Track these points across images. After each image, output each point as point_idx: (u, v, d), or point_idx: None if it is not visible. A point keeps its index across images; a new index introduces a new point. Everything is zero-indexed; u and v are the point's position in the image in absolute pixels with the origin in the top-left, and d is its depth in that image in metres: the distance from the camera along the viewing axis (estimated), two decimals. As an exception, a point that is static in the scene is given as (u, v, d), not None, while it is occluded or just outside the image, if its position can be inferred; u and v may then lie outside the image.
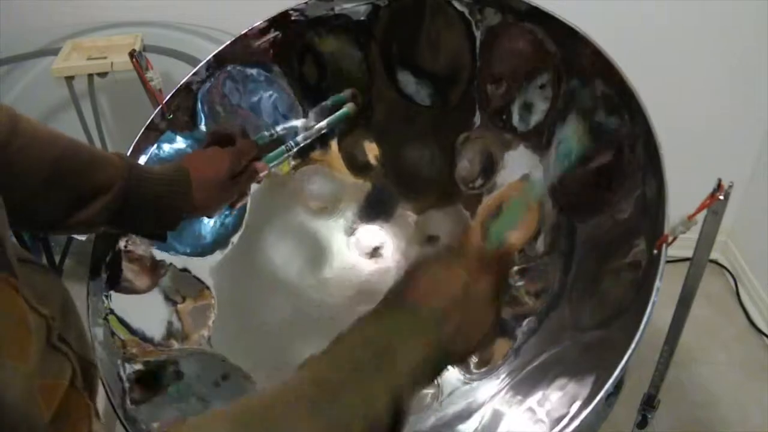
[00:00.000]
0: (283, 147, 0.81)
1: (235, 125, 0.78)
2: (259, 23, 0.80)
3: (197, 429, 0.39)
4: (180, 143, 0.82)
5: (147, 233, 0.71)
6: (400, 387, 0.47)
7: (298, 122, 0.87)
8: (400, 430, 0.46)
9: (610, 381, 0.52)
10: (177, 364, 0.73)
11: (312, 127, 0.85)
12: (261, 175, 0.76)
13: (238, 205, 0.84)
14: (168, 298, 0.78)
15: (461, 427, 0.70)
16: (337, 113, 0.86)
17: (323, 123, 0.85)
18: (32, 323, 0.37)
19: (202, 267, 0.83)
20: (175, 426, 0.34)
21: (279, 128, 0.85)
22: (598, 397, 0.52)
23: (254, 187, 0.89)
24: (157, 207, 0.65)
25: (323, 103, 0.87)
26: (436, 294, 0.53)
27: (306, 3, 0.80)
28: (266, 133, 0.83)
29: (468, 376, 0.77)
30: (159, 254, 0.79)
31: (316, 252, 0.91)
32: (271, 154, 0.80)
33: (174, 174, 0.66)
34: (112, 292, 0.73)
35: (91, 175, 0.60)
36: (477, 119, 0.84)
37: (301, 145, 0.82)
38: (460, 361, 0.54)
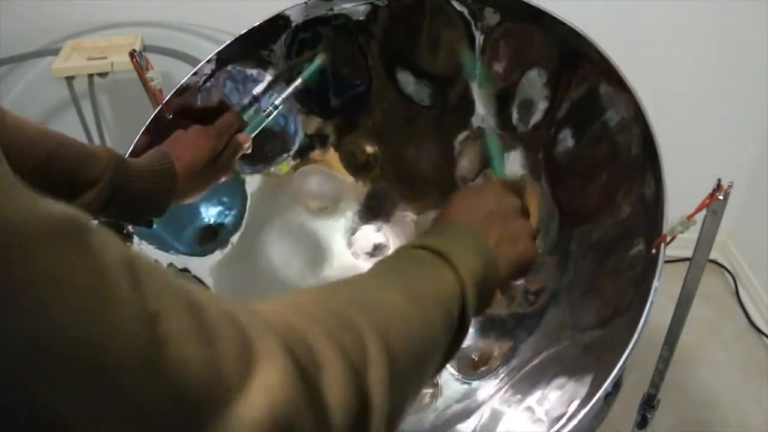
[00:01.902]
0: (263, 114, 0.80)
1: (213, 101, 0.77)
2: (258, 23, 0.80)
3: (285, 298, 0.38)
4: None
5: (133, 221, 0.72)
6: (464, 286, 0.46)
7: (270, 80, 0.85)
8: (463, 337, 0.47)
9: (609, 380, 0.52)
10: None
11: (286, 87, 0.83)
12: (245, 146, 0.76)
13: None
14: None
15: (460, 426, 0.70)
16: (310, 67, 0.84)
17: (298, 80, 0.83)
18: None
19: (202, 267, 0.83)
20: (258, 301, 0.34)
21: (256, 92, 0.83)
22: (597, 397, 0.52)
23: (254, 187, 0.89)
24: (143, 199, 0.65)
25: (294, 61, 0.85)
26: (473, 211, 0.55)
27: (305, 3, 0.80)
28: (246, 101, 0.82)
29: (467, 375, 0.77)
30: (159, 254, 0.79)
31: (316, 252, 0.91)
32: (252, 125, 0.79)
33: (159, 167, 0.67)
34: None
35: (79, 171, 0.61)
36: (476, 119, 0.84)
37: (279, 107, 0.81)
38: (511, 279, 0.55)
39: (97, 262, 0.22)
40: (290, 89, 0.82)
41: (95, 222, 0.23)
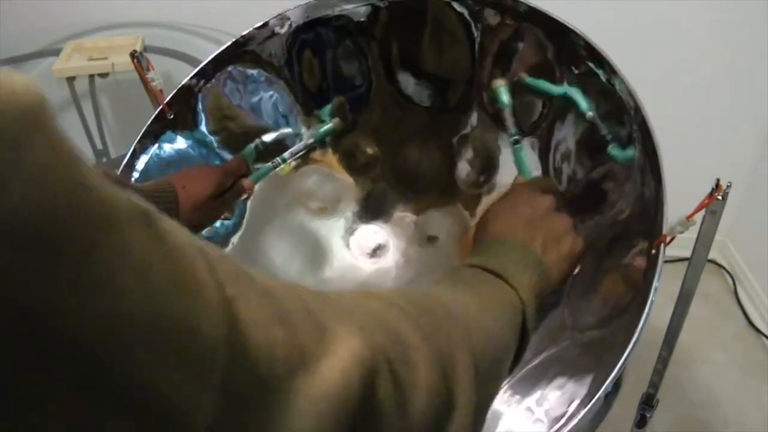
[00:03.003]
0: (270, 164, 0.85)
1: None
2: (259, 24, 0.81)
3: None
4: (181, 143, 0.83)
5: None
6: (524, 302, 0.47)
7: (286, 131, 0.88)
8: (523, 350, 0.47)
9: (609, 380, 0.52)
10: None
11: (299, 142, 0.87)
12: (248, 191, 0.78)
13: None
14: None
15: (461, 426, 0.70)
16: (324, 128, 0.88)
17: (310, 139, 0.87)
18: None
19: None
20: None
21: (267, 140, 0.86)
22: (597, 397, 0.52)
23: (254, 186, 0.90)
24: None
25: (317, 111, 0.89)
26: (513, 223, 0.55)
27: (306, 4, 0.80)
28: (252, 146, 0.85)
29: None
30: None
31: (316, 252, 0.91)
32: (257, 172, 0.83)
33: (161, 192, 0.68)
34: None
35: None
36: (476, 119, 0.84)
37: (288, 160, 0.85)
38: (564, 277, 0.56)
39: (177, 248, 0.23)
40: (300, 145, 0.87)
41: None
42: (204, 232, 0.84)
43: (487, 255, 0.52)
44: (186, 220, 0.69)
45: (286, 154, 0.85)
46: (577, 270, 0.65)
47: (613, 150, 0.69)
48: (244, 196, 0.78)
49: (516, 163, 0.80)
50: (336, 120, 0.88)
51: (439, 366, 0.32)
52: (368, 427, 0.28)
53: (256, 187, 0.89)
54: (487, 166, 0.85)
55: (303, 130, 0.89)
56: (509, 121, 0.80)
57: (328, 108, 0.88)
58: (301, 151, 0.87)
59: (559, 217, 0.58)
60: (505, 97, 0.79)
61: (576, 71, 0.72)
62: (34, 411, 0.19)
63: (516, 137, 0.80)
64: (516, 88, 0.79)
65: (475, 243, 0.57)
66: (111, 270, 0.20)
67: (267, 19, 0.81)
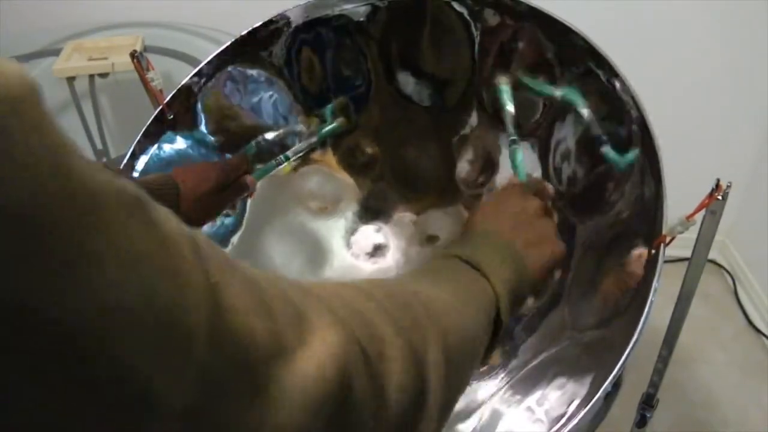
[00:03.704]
0: (273, 162, 0.84)
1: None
2: (258, 24, 0.81)
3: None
4: (180, 143, 0.83)
5: None
6: (498, 294, 0.48)
7: (289, 129, 0.88)
8: (495, 343, 0.48)
9: (609, 380, 0.52)
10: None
11: (302, 140, 0.87)
12: (250, 188, 0.78)
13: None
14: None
15: (460, 426, 0.70)
16: (328, 127, 0.88)
17: (314, 138, 0.87)
18: None
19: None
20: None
21: (269, 138, 0.86)
22: (597, 397, 0.52)
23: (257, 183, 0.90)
24: None
25: (317, 111, 0.89)
26: (498, 218, 0.56)
27: (306, 4, 0.80)
28: (254, 143, 0.85)
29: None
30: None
31: (316, 252, 0.91)
32: (260, 170, 0.83)
33: (161, 186, 0.68)
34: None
35: None
36: (476, 119, 0.84)
37: (291, 159, 0.85)
38: (541, 279, 0.56)
39: (162, 234, 0.23)
40: (304, 144, 0.87)
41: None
42: (205, 228, 0.84)
43: (467, 246, 0.52)
44: (186, 213, 0.69)
45: (289, 153, 0.85)
46: (558, 275, 0.66)
47: (613, 156, 0.69)
48: (246, 192, 0.78)
49: (512, 163, 0.80)
50: (340, 119, 0.88)
51: (412, 361, 0.33)
52: (342, 419, 0.28)
53: (256, 187, 0.89)
54: (487, 166, 0.85)
55: (302, 129, 0.89)
56: (509, 120, 0.80)
57: (329, 107, 0.88)
58: (304, 149, 0.87)
59: (544, 220, 0.59)
60: (506, 95, 0.79)
61: (576, 71, 0.72)
62: (12, 397, 0.19)
63: (514, 137, 0.80)
64: (516, 88, 0.79)
65: (462, 233, 0.57)
66: (98, 257, 0.20)
67: (267, 19, 0.81)
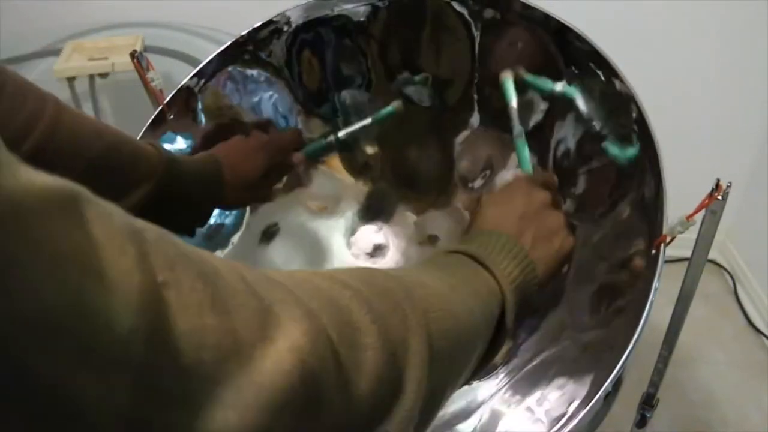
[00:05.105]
0: (323, 140, 0.82)
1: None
2: (258, 24, 0.81)
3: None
4: (180, 143, 0.83)
5: (174, 227, 0.72)
6: (504, 291, 0.47)
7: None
8: (502, 341, 0.47)
9: (609, 380, 0.52)
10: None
11: (355, 122, 0.86)
12: (298, 165, 0.76)
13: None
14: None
15: (460, 426, 0.70)
16: (384, 110, 0.86)
17: (368, 120, 0.86)
18: None
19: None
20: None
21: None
22: (597, 397, 0.52)
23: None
24: (187, 203, 0.64)
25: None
26: (505, 215, 0.55)
27: (305, 4, 0.80)
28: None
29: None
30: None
31: (316, 252, 0.91)
32: (310, 146, 0.80)
33: (208, 174, 0.66)
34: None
35: (129, 171, 0.59)
36: (477, 119, 0.84)
37: (342, 138, 0.84)
38: (551, 274, 0.55)
39: (93, 234, 0.21)
40: (358, 126, 0.86)
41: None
42: (204, 229, 0.84)
43: (473, 242, 0.52)
44: (232, 198, 0.68)
45: (341, 133, 0.83)
46: (565, 269, 0.66)
47: (613, 150, 0.69)
48: (292, 170, 0.75)
49: (518, 156, 0.80)
50: (397, 103, 0.86)
51: (388, 349, 0.32)
52: (307, 412, 0.27)
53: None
54: (487, 166, 0.85)
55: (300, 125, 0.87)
56: (514, 115, 0.80)
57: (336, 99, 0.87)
58: (357, 130, 0.85)
59: (553, 213, 0.58)
60: (511, 90, 0.79)
61: (576, 71, 0.72)
62: None
63: (519, 128, 0.80)
64: (516, 87, 0.79)
65: (468, 230, 0.57)
66: (15, 262, 0.18)
67: (267, 19, 0.81)
